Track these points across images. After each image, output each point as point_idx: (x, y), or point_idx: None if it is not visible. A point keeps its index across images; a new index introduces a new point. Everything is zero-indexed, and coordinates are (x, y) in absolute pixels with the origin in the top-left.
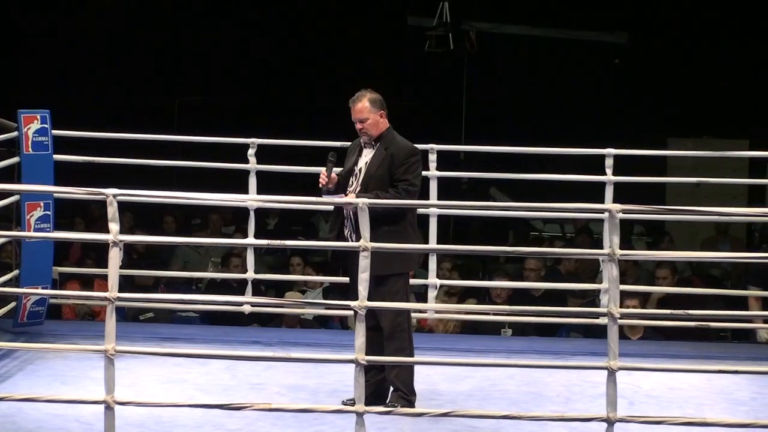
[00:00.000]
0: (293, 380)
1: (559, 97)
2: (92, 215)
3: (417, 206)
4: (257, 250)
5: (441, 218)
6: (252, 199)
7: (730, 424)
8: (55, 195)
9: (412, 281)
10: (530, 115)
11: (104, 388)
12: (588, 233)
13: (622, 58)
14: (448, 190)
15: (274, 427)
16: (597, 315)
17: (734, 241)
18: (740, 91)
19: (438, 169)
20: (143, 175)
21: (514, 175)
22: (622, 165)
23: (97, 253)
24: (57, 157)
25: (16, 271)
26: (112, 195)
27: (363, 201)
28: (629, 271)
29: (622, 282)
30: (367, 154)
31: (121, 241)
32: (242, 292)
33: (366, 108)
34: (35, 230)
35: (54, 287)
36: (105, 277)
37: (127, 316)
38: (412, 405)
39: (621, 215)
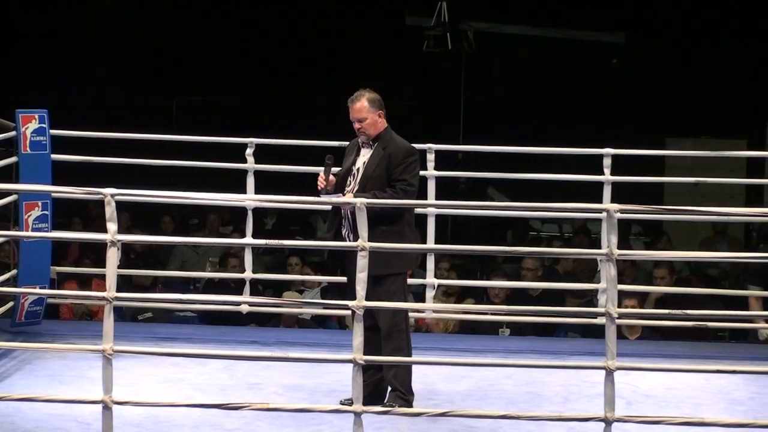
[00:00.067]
0: (291, 380)
1: (557, 97)
2: (90, 215)
3: (415, 206)
4: (255, 249)
5: (439, 218)
6: (250, 199)
7: (728, 424)
8: (53, 195)
9: (410, 281)
10: (528, 115)
11: (102, 387)
12: (586, 233)
13: (620, 58)
14: (446, 189)
15: (272, 427)
16: (595, 315)
17: (732, 240)
18: (739, 91)
19: (436, 168)
20: (141, 175)
21: (512, 175)
22: (620, 165)
23: (95, 253)
24: (55, 156)
25: (14, 271)
26: (110, 195)
27: (361, 201)
28: (627, 271)
29: (620, 282)
30: (365, 154)
31: (119, 240)
32: (240, 292)
33: (364, 108)
34: (33, 230)
35: (52, 287)
36: (103, 277)
37: (125, 315)
38: (410, 405)
39: (619, 215)
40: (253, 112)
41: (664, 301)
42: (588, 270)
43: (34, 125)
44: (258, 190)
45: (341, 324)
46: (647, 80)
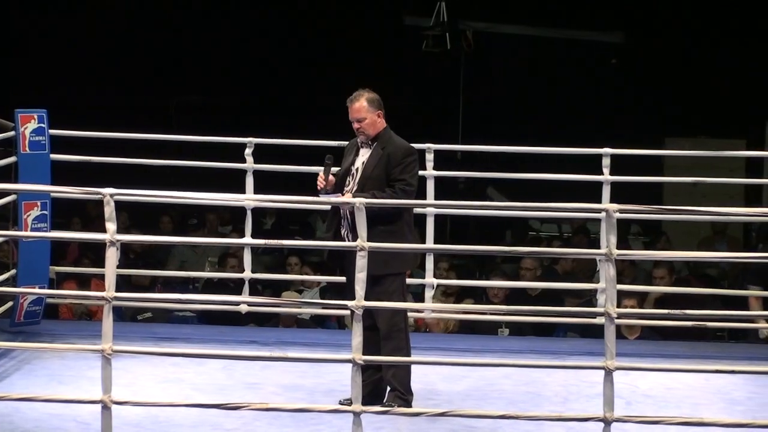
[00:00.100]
0: (290, 380)
1: (556, 97)
2: (89, 215)
3: (414, 206)
4: (254, 249)
5: (438, 218)
6: (249, 199)
7: (727, 424)
8: (52, 194)
9: (409, 281)
10: (527, 115)
11: (101, 387)
12: (585, 233)
13: (619, 58)
14: (445, 189)
15: (270, 427)
16: (594, 315)
17: (731, 240)
18: (738, 91)
19: (435, 168)
20: (140, 175)
21: (512, 175)
22: (619, 165)
23: (95, 253)
24: (54, 156)
25: (13, 271)
26: (109, 195)
27: (360, 201)
28: (626, 271)
29: (620, 282)
30: (364, 154)
31: (118, 240)
32: (239, 292)
33: (363, 108)
34: (32, 230)
35: (51, 287)
36: (102, 277)
37: (124, 315)
38: (409, 405)
39: (618, 215)
40: (253, 112)
41: (663, 301)
42: (587, 270)
43: (33, 125)
44: (257, 190)
45: (340, 324)
46: (646, 80)
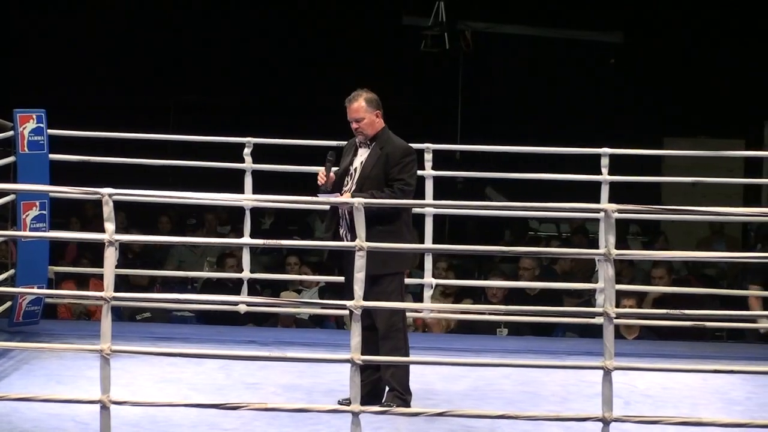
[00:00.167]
0: (289, 380)
1: (555, 97)
2: (87, 215)
3: (412, 206)
4: (253, 249)
5: (437, 218)
6: (247, 199)
7: (726, 424)
8: (51, 194)
9: (408, 281)
10: (526, 115)
11: (100, 387)
12: (584, 233)
13: (618, 57)
14: (443, 189)
15: (269, 427)
16: (593, 315)
17: (730, 240)
18: (737, 91)
19: (434, 168)
20: (139, 175)
21: (510, 175)
22: (618, 164)
23: (93, 253)
24: (52, 156)
25: (11, 271)
26: (108, 195)
27: (358, 201)
28: (625, 271)
29: (618, 282)
30: (363, 154)
31: (116, 240)
32: (238, 292)
33: (362, 108)
34: (31, 230)
35: (50, 287)
36: (100, 277)
37: (123, 315)
38: (407, 404)
39: (617, 215)
40: (253, 112)
41: (661, 301)
42: (586, 270)
43: (31, 125)
44: (256, 190)
45: (339, 324)
46: (645, 80)
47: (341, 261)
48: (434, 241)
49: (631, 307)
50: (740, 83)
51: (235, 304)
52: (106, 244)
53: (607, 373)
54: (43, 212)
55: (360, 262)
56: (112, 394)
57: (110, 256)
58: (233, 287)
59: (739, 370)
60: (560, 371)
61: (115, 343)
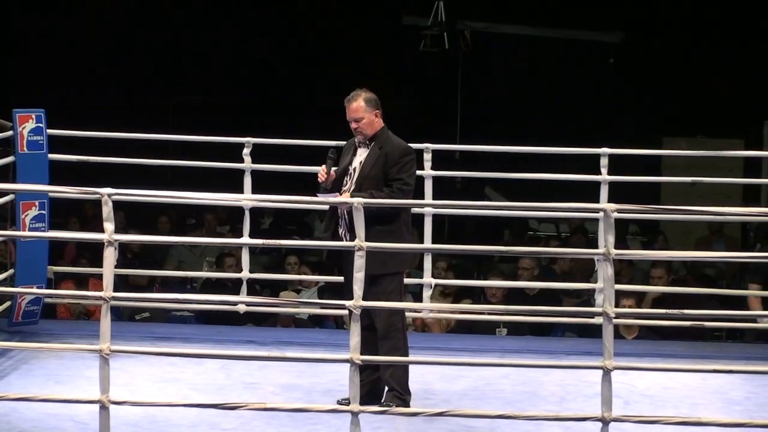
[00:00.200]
0: (288, 380)
1: (554, 97)
2: (87, 215)
3: (412, 206)
4: (252, 249)
5: (436, 218)
6: (247, 199)
7: (725, 424)
8: (50, 194)
9: (407, 281)
10: (525, 115)
11: (99, 387)
12: (583, 233)
13: (617, 57)
14: (443, 189)
15: (268, 427)
16: (592, 314)
17: (729, 240)
18: (736, 91)
19: (433, 168)
20: (138, 175)
21: (509, 175)
22: (617, 164)
23: (92, 253)
24: (52, 156)
25: (11, 271)
26: (107, 194)
27: (358, 200)
28: (624, 271)
29: (617, 281)
30: (362, 154)
31: (116, 240)
32: (237, 292)
33: (361, 107)
34: (30, 229)
35: (49, 287)
36: (100, 277)
37: (122, 315)
38: (407, 404)
39: (616, 215)
40: (253, 112)
41: (661, 300)
42: (585, 270)
43: (31, 125)
44: (255, 190)
45: (338, 324)
46: (645, 80)
47: (340, 261)
48: (433, 241)
49: (630, 306)
50: (740, 83)
51: (235, 304)
52: (106, 243)
53: (607, 372)
54: (43, 212)
55: (359, 262)
56: (111, 394)
57: (109, 256)
58: (232, 287)
59: (739, 370)
60: (559, 371)
61: (114, 343)
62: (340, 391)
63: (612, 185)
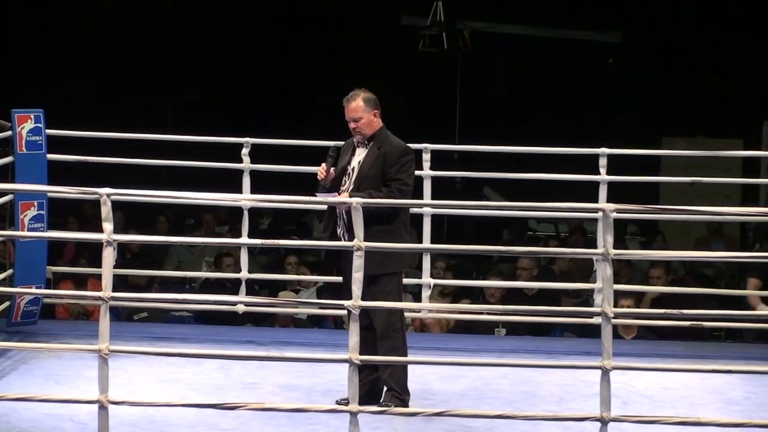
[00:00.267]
0: (287, 380)
1: (553, 97)
2: (86, 215)
3: (410, 206)
4: (251, 249)
5: (435, 218)
6: (246, 199)
7: (724, 424)
8: (49, 194)
9: (406, 281)
10: (524, 115)
11: (98, 387)
12: (582, 233)
13: (616, 57)
14: (441, 189)
15: (267, 427)
16: (591, 314)
17: (728, 240)
18: (735, 91)
19: (432, 168)
20: (137, 175)
21: (508, 175)
22: (616, 164)
23: (91, 253)
24: (50, 156)
25: (9, 271)
26: (106, 195)
27: (356, 200)
28: (623, 271)
29: (616, 281)
30: (360, 154)
31: (115, 240)
32: (236, 292)
33: (360, 107)
34: (29, 230)
35: (48, 287)
36: (99, 277)
37: (121, 315)
38: (405, 404)
39: (615, 215)
40: (253, 112)
41: (659, 300)
42: (584, 270)
43: (29, 125)
44: (254, 190)
45: (337, 324)
46: (644, 80)
47: (339, 261)
48: (432, 241)
49: (629, 306)
50: (739, 83)
51: (234, 304)
52: (104, 244)
53: (605, 372)
54: (41, 212)
55: (358, 262)
56: (110, 394)
57: (108, 256)
58: (231, 287)
59: (738, 370)
60: (558, 371)
61: (113, 343)
62: (339, 391)
63: (611, 185)
